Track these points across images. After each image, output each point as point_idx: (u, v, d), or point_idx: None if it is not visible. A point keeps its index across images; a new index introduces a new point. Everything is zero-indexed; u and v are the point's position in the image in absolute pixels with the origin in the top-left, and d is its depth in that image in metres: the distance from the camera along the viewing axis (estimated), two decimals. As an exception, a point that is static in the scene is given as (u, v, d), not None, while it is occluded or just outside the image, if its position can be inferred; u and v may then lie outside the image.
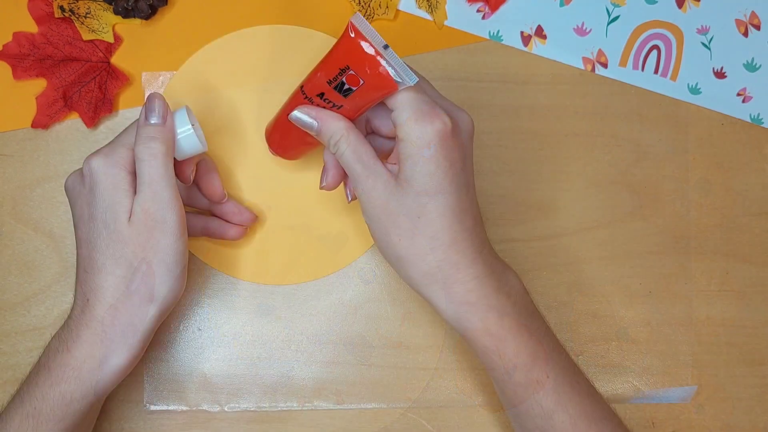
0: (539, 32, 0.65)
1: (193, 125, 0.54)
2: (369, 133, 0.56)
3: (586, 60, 0.66)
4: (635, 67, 0.66)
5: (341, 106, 0.51)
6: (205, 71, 0.63)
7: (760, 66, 0.66)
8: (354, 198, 0.55)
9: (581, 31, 0.66)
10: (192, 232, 0.60)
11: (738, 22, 0.66)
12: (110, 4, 0.62)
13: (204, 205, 0.61)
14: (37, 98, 0.62)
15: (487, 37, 0.65)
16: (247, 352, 0.63)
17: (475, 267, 0.51)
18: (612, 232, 0.65)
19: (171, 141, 0.53)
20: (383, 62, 0.47)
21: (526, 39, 0.65)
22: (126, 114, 0.63)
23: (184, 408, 0.62)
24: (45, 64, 0.62)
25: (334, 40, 0.52)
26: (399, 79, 0.47)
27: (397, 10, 0.65)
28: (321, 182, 0.55)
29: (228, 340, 0.63)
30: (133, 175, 0.52)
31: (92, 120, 0.62)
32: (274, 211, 0.63)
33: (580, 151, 0.65)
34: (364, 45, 0.47)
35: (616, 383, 0.64)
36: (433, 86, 0.53)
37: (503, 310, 0.51)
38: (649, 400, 0.64)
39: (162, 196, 0.51)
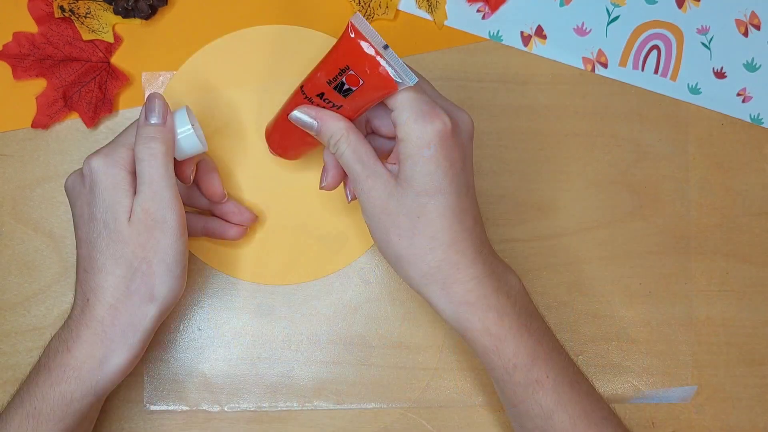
0: (539, 32, 0.65)
1: (193, 125, 0.54)
2: (369, 133, 0.56)
3: (586, 60, 0.66)
4: (635, 67, 0.66)
5: (341, 106, 0.51)
6: (205, 71, 0.63)
7: (760, 66, 0.66)
8: (354, 198, 0.55)
9: (581, 31, 0.66)
10: (192, 232, 0.60)
11: (738, 22, 0.66)
12: (110, 4, 0.62)
13: (204, 205, 0.61)
14: (37, 98, 0.62)
15: (487, 37, 0.65)
16: (247, 352, 0.63)
17: (474, 267, 0.51)
18: (612, 232, 0.65)
19: (171, 141, 0.53)
20: (383, 62, 0.47)
21: (526, 39, 0.65)
22: (126, 114, 0.63)
23: (184, 408, 0.62)
24: (45, 64, 0.62)
25: (334, 40, 0.52)
26: (399, 80, 0.47)
27: (397, 10, 0.65)
28: (321, 182, 0.55)
29: (228, 340, 0.63)
30: (133, 175, 0.52)
31: (92, 120, 0.62)
32: (274, 211, 0.63)
33: (580, 151, 0.65)
34: (364, 45, 0.47)
35: (616, 383, 0.64)
36: (433, 86, 0.53)
37: (503, 310, 0.51)
38: (649, 400, 0.64)
39: (162, 195, 0.51)
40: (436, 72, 0.64)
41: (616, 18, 0.66)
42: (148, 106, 0.53)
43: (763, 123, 0.66)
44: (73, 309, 0.53)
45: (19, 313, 0.62)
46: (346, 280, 0.64)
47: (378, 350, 0.63)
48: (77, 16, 0.61)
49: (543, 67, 0.65)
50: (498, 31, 0.65)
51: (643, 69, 0.66)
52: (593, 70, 0.66)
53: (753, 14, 0.66)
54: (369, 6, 0.64)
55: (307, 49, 0.63)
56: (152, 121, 0.52)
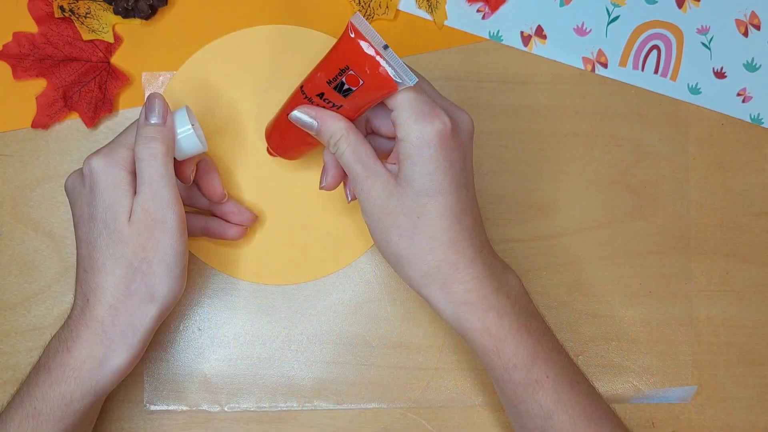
0: (539, 32, 0.65)
1: (193, 125, 0.54)
2: (369, 133, 0.56)
3: (586, 60, 0.66)
4: (635, 67, 0.66)
5: (341, 106, 0.51)
6: (205, 71, 0.63)
7: (760, 66, 0.66)
8: (354, 198, 0.55)
9: (581, 31, 0.66)
10: (192, 232, 0.60)
11: (738, 22, 0.66)
12: (110, 4, 0.62)
13: (204, 205, 0.61)
14: (37, 98, 0.62)
15: (487, 37, 0.65)
16: (247, 352, 0.63)
17: (474, 267, 0.51)
18: (612, 232, 0.65)
19: (171, 141, 0.53)
20: (383, 62, 0.47)
21: (526, 39, 0.65)
22: (126, 114, 0.63)
23: (184, 408, 0.62)
24: (45, 64, 0.62)
25: (334, 40, 0.52)
26: (399, 80, 0.47)
27: (397, 10, 0.65)
28: (321, 182, 0.55)
29: (228, 340, 0.63)
30: (133, 175, 0.52)
31: (92, 120, 0.62)
32: (274, 211, 0.63)
33: (580, 151, 0.65)
34: (364, 45, 0.47)
35: (616, 383, 0.64)
36: (433, 86, 0.53)
37: (503, 310, 0.51)
38: (649, 400, 0.64)
39: (162, 195, 0.51)
40: (436, 72, 0.64)
41: (616, 18, 0.66)
42: (148, 106, 0.53)
43: (763, 123, 0.66)
44: (73, 309, 0.53)
45: (19, 313, 0.62)
46: (346, 280, 0.64)
47: (378, 350, 0.63)
48: (77, 16, 0.61)
49: (543, 67, 0.65)
50: (498, 31, 0.65)
51: (643, 69, 0.66)
52: (593, 70, 0.66)
53: (753, 14, 0.66)
54: (369, 6, 0.64)
55: (307, 49, 0.63)
56: (152, 121, 0.52)
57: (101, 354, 0.51)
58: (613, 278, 0.65)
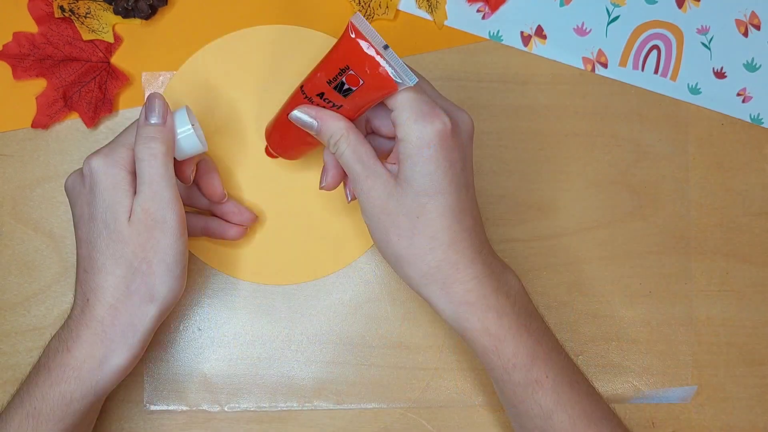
0: (539, 32, 0.65)
1: (193, 125, 0.54)
2: (369, 133, 0.56)
3: (586, 60, 0.66)
4: (635, 67, 0.66)
5: (341, 106, 0.51)
6: (205, 71, 0.63)
7: (760, 66, 0.66)
8: (354, 198, 0.55)
9: (581, 31, 0.66)
10: (192, 232, 0.60)
11: (738, 22, 0.66)
12: (110, 4, 0.62)
13: (204, 205, 0.61)
14: (37, 98, 0.62)
15: (487, 37, 0.65)
16: (247, 352, 0.63)
17: (474, 267, 0.51)
18: (612, 232, 0.65)
19: (171, 141, 0.53)
20: (383, 62, 0.47)
21: (526, 39, 0.65)
22: (126, 114, 0.63)
23: (184, 408, 0.62)
24: (45, 64, 0.62)
25: (334, 40, 0.52)
26: (399, 80, 0.47)
27: (397, 10, 0.65)
28: (321, 182, 0.55)
29: (228, 340, 0.63)
30: (133, 175, 0.52)
31: (92, 120, 0.62)
32: (274, 211, 0.63)
33: (580, 151, 0.65)
34: (364, 45, 0.47)
35: (616, 383, 0.64)
36: (433, 86, 0.53)
37: (502, 310, 0.51)
38: (649, 400, 0.64)
39: (162, 195, 0.51)
40: (436, 72, 0.64)
41: (616, 18, 0.66)
42: (148, 106, 0.53)
43: (763, 123, 0.66)
44: (73, 309, 0.53)
45: (19, 313, 0.62)
46: (346, 280, 0.64)
47: (378, 350, 0.63)
48: (77, 16, 0.61)
49: (543, 67, 0.65)
50: (498, 31, 0.65)
51: (643, 69, 0.66)
52: (593, 70, 0.66)
53: (753, 14, 0.66)
54: (369, 6, 0.64)
55: (307, 49, 0.63)
56: (152, 121, 0.52)
57: (101, 354, 0.51)
58: (613, 278, 0.65)
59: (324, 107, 0.51)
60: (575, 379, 0.53)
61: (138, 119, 0.53)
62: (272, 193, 0.63)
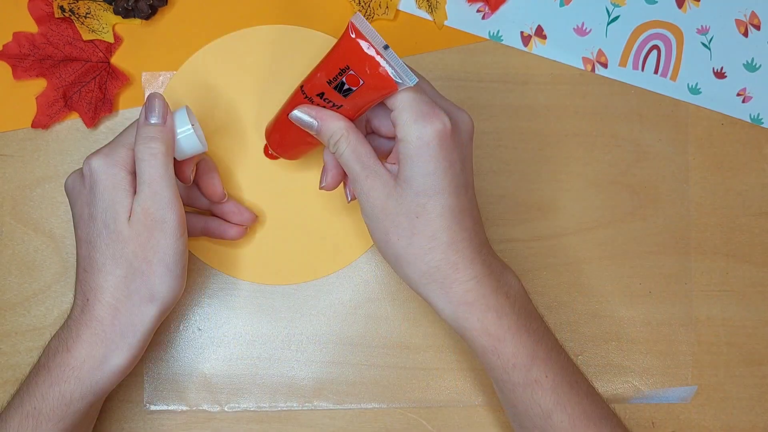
0: (539, 32, 0.65)
1: (193, 125, 0.54)
2: (369, 133, 0.56)
3: (586, 60, 0.66)
4: (635, 67, 0.66)
5: (341, 106, 0.51)
6: (205, 71, 0.63)
7: (760, 66, 0.66)
8: (353, 198, 0.55)
9: (581, 31, 0.66)
10: (192, 232, 0.60)
11: (738, 22, 0.66)
12: (110, 4, 0.62)
13: (204, 205, 0.61)
14: (37, 98, 0.62)
15: (487, 37, 0.65)
16: (247, 352, 0.63)
17: (473, 267, 0.51)
18: (612, 232, 0.65)
19: (171, 141, 0.53)
20: (383, 62, 0.47)
21: (526, 39, 0.65)
22: (126, 114, 0.63)
23: (184, 408, 0.62)
24: (45, 64, 0.62)
25: (334, 40, 0.52)
26: (399, 80, 0.47)
27: (397, 10, 0.65)
28: (321, 182, 0.55)
29: (228, 340, 0.63)
30: (133, 175, 0.52)
31: (92, 120, 0.62)
32: (274, 211, 0.63)
33: (580, 151, 0.65)
34: (364, 45, 0.47)
35: (616, 383, 0.64)
36: (433, 86, 0.53)
37: (502, 311, 0.51)
38: (649, 400, 0.64)
39: (162, 195, 0.51)
40: (436, 72, 0.64)
41: (616, 18, 0.66)
42: (148, 106, 0.53)
43: (763, 123, 0.66)
44: (72, 309, 0.53)
45: (19, 313, 0.62)
46: (346, 280, 0.64)
47: (378, 350, 0.63)
48: (77, 16, 0.61)
49: (543, 67, 0.65)
50: (498, 31, 0.65)
51: (643, 69, 0.66)
52: (593, 70, 0.66)
53: (753, 14, 0.66)
54: (369, 6, 0.64)
55: (307, 49, 0.63)
56: (152, 121, 0.52)
57: (101, 354, 0.51)
58: (613, 278, 0.65)
59: (324, 107, 0.51)
60: (575, 379, 0.53)
61: (138, 119, 0.53)
62: (272, 193, 0.63)
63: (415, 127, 0.48)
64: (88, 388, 0.51)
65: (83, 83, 0.62)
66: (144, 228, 0.51)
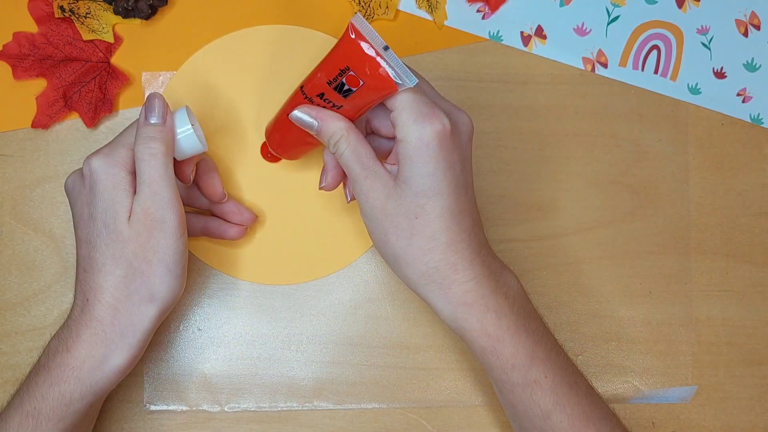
0: (539, 32, 0.65)
1: (193, 125, 0.54)
2: (369, 133, 0.56)
3: (586, 60, 0.66)
4: (635, 67, 0.66)
5: (341, 106, 0.51)
6: (205, 71, 0.63)
7: (760, 66, 0.66)
8: (353, 198, 0.55)
9: (581, 31, 0.66)
10: (192, 232, 0.60)
11: (738, 22, 0.66)
12: (110, 4, 0.62)
13: (204, 205, 0.61)
14: (37, 98, 0.62)
15: (487, 37, 0.65)
16: (247, 352, 0.63)
17: (472, 268, 0.51)
18: (612, 232, 0.65)
19: (171, 141, 0.53)
20: (383, 63, 0.47)
21: (526, 39, 0.65)
22: (126, 114, 0.63)
23: (184, 408, 0.62)
24: (45, 64, 0.62)
25: (334, 41, 0.52)
26: (399, 81, 0.47)
27: (397, 10, 0.65)
28: (320, 182, 0.55)
29: (228, 340, 0.63)
30: (133, 175, 0.52)
31: (92, 120, 0.62)
32: (274, 211, 0.63)
33: (580, 151, 0.65)
34: (364, 46, 0.47)
35: (616, 383, 0.64)
36: (433, 87, 0.53)
37: (501, 311, 0.51)
38: (649, 400, 0.64)
39: (162, 195, 0.51)
40: (436, 72, 0.64)
41: (616, 18, 0.66)
42: (147, 106, 0.53)
43: (763, 123, 0.66)
44: (72, 309, 0.53)
45: (19, 313, 0.62)
46: (346, 280, 0.64)
47: (378, 350, 0.63)
48: (77, 16, 0.61)
49: (543, 67, 0.65)
50: (498, 31, 0.65)
51: (643, 69, 0.66)
52: (593, 70, 0.66)
53: (753, 14, 0.66)
54: (369, 6, 0.64)
55: (307, 49, 0.63)
56: (152, 121, 0.52)
57: (101, 354, 0.51)
58: (613, 278, 0.65)
59: (324, 107, 0.51)
60: (574, 379, 0.53)
61: (138, 119, 0.53)
62: (272, 193, 0.63)
63: (414, 127, 0.48)
64: (88, 388, 0.51)
65: (83, 83, 0.62)
66: (144, 228, 0.51)
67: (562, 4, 0.66)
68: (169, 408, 0.62)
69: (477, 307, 0.51)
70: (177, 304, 0.58)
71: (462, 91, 0.64)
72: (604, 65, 0.66)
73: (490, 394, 0.63)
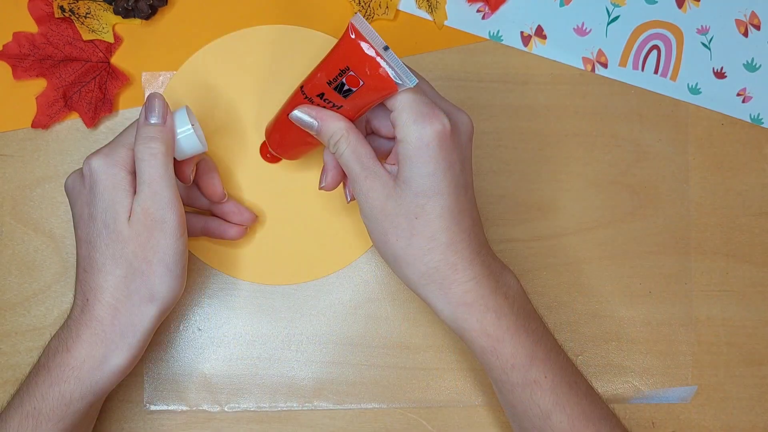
0: (539, 32, 0.65)
1: (193, 125, 0.54)
2: (369, 133, 0.56)
3: (586, 60, 0.66)
4: (635, 67, 0.66)
5: (341, 106, 0.51)
6: (205, 71, 0.63)
7: (760, 66, 0.66)
8: (353, 198, 0.55)
9: (581, 31, 0.66)
10: (192, 232, 0.60)
11: (738, 22, 0.66)
12: (110, 4, 0.62)
13: (204, 205, 0.61)
14: (37, 98, 0.62)
15: (487, 37, 0.65)
16: (247, 352, 0.63)
17: (472, 268, 0.51)
18: (612, 232, 0.65)
19: (171, 141, 0.53)
20: (383, 63, 0.47)
21: (526, 39, 0.65)
22: (126, 114, 0.63)
23: (184, 408, 0.62)
24: (45, 64, 0.62)
25: (334, 41, 0.52)
26: (399, 81, 0.47)
27: (397, 10, 0.65)
28: (320, 182, 0.55)
29: (228, 340, 0.63)
30: (133, 175, 0.52)
31: (92, 120, 0.62)
32: (274, 211, 0.63)
33: (580, 151, 0.65)
34: (364, 46, 0.47)
35: (616, 383, 0.64)
36: (433, 87, 0.53)
37: (501, 311, 0.51)
38: (649, 400, 0.64)
39: (162, 195, 0.51)
40: (436, 72, 0.64)
41: (616, 18, 0.66)
42: (148, 106, 0.53)
43: (763, 123, 0.66)
44: (72, 309, 0.53)
45: (19, 313, 0.62)
46: (346, 280, 0.64)
47: (378, 350, 0.63)
48: (77, 16, 0.61)
49: (543, 67, 0.65)
50: (498, 31, 0.65)
51: (643, 69, 0.66)
52: (593, 70, 0.66)
53: (753, 14, 0.66)
54: (369, 6, 0.64)
55: (307, 49, 0.63)
56: (152, 121, 0.52)
57: (101, 354, 0.51)
58: (613, 278, 0.65)
59: (324, 107, 0.51)
60: (574, 379, 0.53)
61: (138, 119, 0.53)
62: (272, 193, 0.63)
63: (414, 127, 0.48)
64: (88, 388, 0.51)
65: (83, 83, 0.62)
66: (144, 228, 0.51)
67: (562, 4, 0.66)
68: (169, 408, 0.62)
69: (477, 307, 0.51)
70: (177, 304, 0.58)
71: (462, 91, 0.64)
72: (604, 65, 0.66)
73: (490, 394, 0.63)
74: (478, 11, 0.65)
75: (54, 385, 0.51)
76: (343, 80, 0.49)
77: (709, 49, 0.66)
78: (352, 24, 0.48)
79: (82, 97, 0.62)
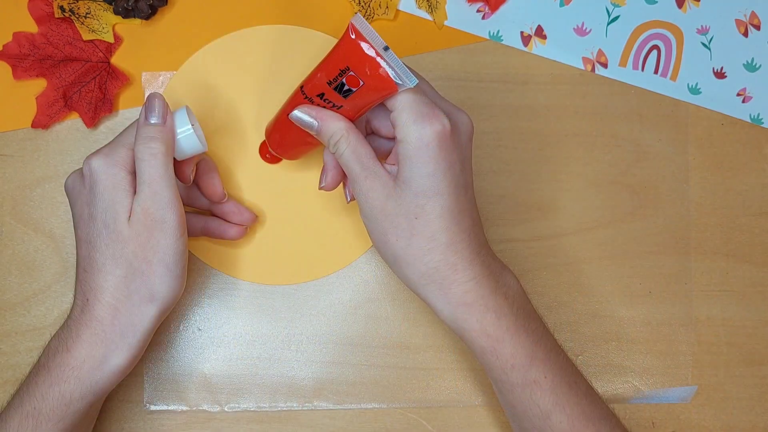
0: (539, 32, 0.65)
1: (193, 125, 0.54)
2: (369, 133, 0.56)
3: (586, 60, 0.66)
4: (635, 67, 0.66)
5: (341, 106, 0.51)
6: (205, 71, 0.63)
7: (760, 66, 0.66)
8: (353, 198, 0.55)
9: (581, 31, 0.66)
10: (192, 232, 0.60)
11: (738, 22, 0.66)
12: (110, 4, 0.62)
13: (204, 205, 0.61)
14: (37, 98, 0.62)
15: (487, 37, 0.65)
16: (247, 352, 0.63)
17: (472, 268, 0.51)
18: (612, 232, 0.65)
19: (171, 141, 0.53)
20: (383, 64, 0.47)
21: (526, 39, 0.65)
22: (126, 114, 0.63)
23: (184, 408, 0.62)
24: (45, 64, 0.62)
25: (334, 41, 0.52)
26: (399, 81, 0.47)
27: (397, 10, 0.65)
28: (320, 182, 0.55)
29: (228, 340, 0.63)
30: (133, 175, 0.52)
31: (92, 120, 0.62)
32: (274, 211, 0.63)
33: (580, 151, 0.65)
34: (365, 46, 0.47)
35: (616, 383, 0.64)
36: (433, 87, 0.53)
37: (501, 311, 0.51)
38: (649, 400, 0.64)
39: (162, 195, 0.51)
40: (436, 72, 0.64)
41: (616, 18, 0.66)
42: (148, 105, 0.53)
43: (763, 123, 0.66)
44: (72, 309, 0.53)
45: (19, 313, 0.62)
46: (346, 280, 0.64)
47: (378, 350, 0.63)
48: (77, 16, 0.61)
49: (543, 67, 0.65)
50: (498, 31, 0.65)
51: (643, 69, 0.66)
52: (593, 70, 0.66)
53: (753, 14, 0.66)
54: (369, 6, 0.64)
55: (307, 49, 0.63)
56: (152, 121, 0.52)
57: (101, 354, 0.51)
58: (613, 278, 0.65)
59: (324, 107, 0.51)
60: (574, 379, 0.53)
61: (138, 119, 0.53)
62: (272, 193, 0.63)
63: (414, 128, 0.48)
64: (88, 388, 0.51)
65: (83, 83, 0.62)
66: (144, 228, 0.51)
67: (562, 4, 0.66)
68: (169, 408, 0.62)
69: (477, 308, 0.51)
70: (177, 304, 0.58)
71: (462, 91, 0.64)
72: (604, 65, 0.66)
73: (490, 394, 0.63)
74: (478, 11, 0.65)
75: (54, 385, 0.51)
76: (343, 80, 0.49)
77: (709, 49, 0.66)
78: (352, 24, 0.48)
79: (82, 97, 0.62)
